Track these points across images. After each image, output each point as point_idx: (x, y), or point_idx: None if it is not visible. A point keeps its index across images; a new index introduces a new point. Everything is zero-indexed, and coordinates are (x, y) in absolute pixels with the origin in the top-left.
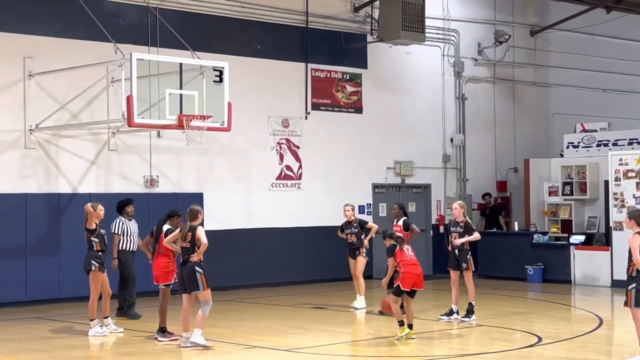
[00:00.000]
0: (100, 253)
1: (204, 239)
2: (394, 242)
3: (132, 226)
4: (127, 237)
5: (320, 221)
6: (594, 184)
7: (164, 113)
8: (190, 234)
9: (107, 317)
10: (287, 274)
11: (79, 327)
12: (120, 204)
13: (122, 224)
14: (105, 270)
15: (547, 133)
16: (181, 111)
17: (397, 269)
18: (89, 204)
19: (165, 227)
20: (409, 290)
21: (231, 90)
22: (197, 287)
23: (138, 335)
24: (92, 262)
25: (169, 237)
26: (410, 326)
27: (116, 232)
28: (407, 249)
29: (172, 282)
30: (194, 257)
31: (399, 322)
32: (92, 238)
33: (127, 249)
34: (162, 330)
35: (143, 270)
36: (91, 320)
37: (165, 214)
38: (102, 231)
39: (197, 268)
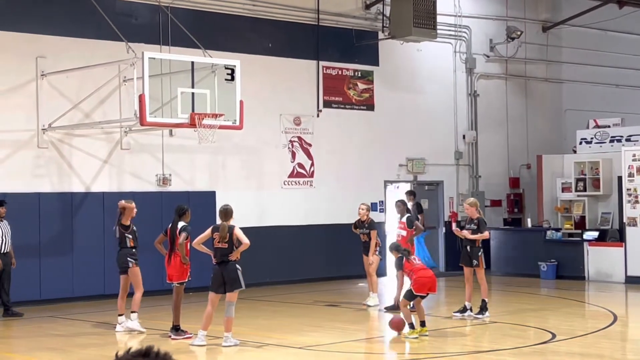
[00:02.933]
0: (133, 250)
1: (245, 239)
2: (400, 255)
3: (4, 227)
4: (0, 239)
5: (332, 219)
6: (607, 179)
7: (176, 112)
8: (229, 234)
9: (122, 315)
10: (299, 271)
11: (93, 325)
12: None
13: None
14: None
15: (559, 129)
16: (193, 110)
17: (408, 278)
18: (122, 201)
19: (181, 224)
20: (424, 294)
21: (243, 88)
22: (239, 285)
23: (152, 334)
24: (129, 259)
25: (198, 238)
26: (422, 323)
27: None
28: (414, 259)
29: (186, 280)
30: (233, 256)
31: (409, 324)
32: (126, 234)
33: (1, 250)
34: (176, 329)
35: (153, 269)
36: (132, 312)
37: (176, 214)
38: (135, 228)
39: (237, 266)
